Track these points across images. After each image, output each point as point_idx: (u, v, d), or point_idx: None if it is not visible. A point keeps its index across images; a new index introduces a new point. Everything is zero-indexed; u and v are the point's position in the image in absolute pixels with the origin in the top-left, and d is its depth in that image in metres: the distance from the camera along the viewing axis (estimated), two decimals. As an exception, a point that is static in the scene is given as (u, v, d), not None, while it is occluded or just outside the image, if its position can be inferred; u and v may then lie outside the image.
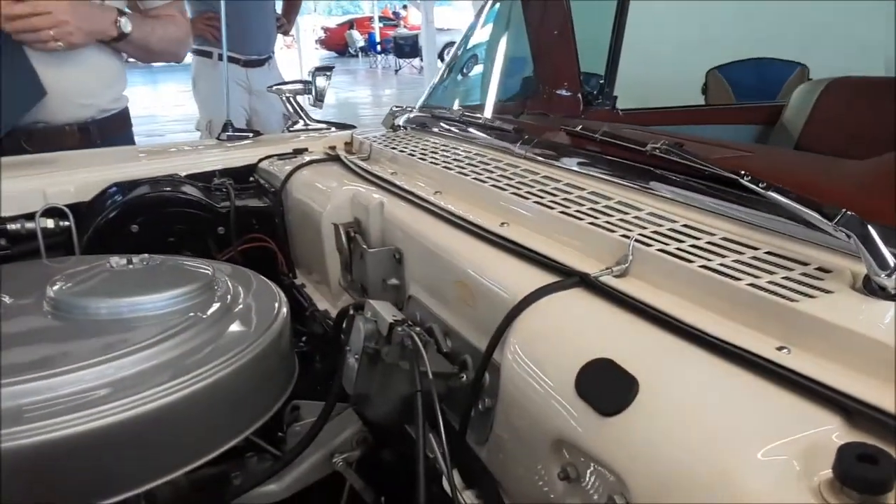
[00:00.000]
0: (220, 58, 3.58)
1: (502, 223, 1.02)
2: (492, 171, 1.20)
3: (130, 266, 1.04)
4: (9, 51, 1.77)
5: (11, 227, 1.51)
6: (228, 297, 1.04)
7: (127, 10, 1.99)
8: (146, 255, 1.06)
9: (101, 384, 0.85)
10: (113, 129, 2.10)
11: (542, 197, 1.04)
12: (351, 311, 1.00)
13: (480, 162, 1.28)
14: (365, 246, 1.14)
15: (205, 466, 0.90)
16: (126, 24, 1.92)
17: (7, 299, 0.99)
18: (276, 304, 1.05)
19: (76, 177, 1.61)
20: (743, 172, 0.84)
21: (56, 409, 0.80)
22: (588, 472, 0.66)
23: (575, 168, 1.14)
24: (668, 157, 0.96)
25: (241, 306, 1.03)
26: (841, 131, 2.14)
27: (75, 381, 0.84)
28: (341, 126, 2.14)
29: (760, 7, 3.94)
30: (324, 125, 2.14)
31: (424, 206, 1.14)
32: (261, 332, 0.98)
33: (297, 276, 1.54)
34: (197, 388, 0.88)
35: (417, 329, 0.85)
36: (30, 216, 1.52)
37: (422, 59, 16.20)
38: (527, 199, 1.04)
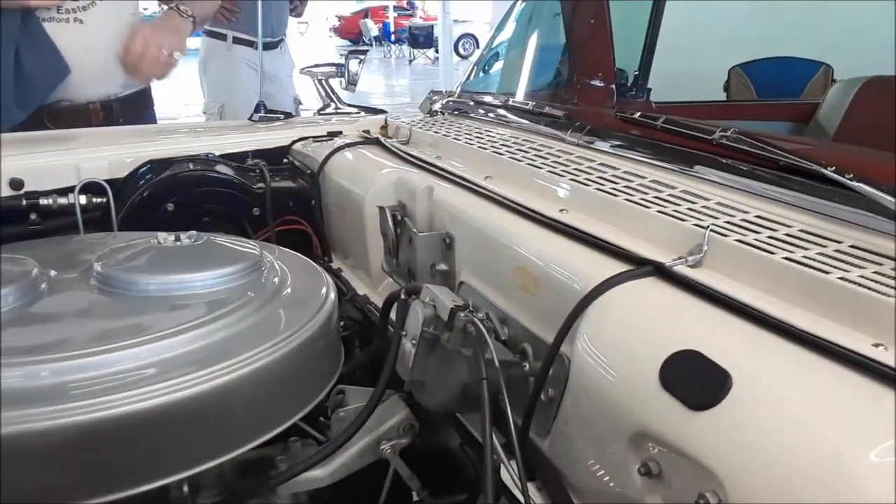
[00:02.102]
0: (235, 40, 3.54)
1: (561, 209, 0.99)
2: (545, 158, 1.17)
3: (178, 243, 1.01)
4: (30, 31, 1.77)
5: (44, 201, 1.48)
6: (276, 278, 1.01)
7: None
8: (194, 232, 1.03)
9: (149, 363, 0.82)
10: (135, 107, 2.09)
11: (602, 184, 1.01)
12: (403, 296, 0.98)
13: (531, 148, 1.24)
14: (415, 230, 1.12)
15: (249, 451, 0.88)
16: (187, 12, 1.97)
17: (52, 273, 0.96)
18: (324, 288, 1.03)
19: (110, 153, 1.58)
20: (824, 163, 0.81)
21: (103, 388, 0.78)
22: (673, 467, 0.64)
23: (633, 156, 1.10)
24: (738, 147, 0.93)
25: (289, 289, 1.01)
26: (879, 129, 2.11)
27: (124, 360, 0.82)
28: (372, 111, 2.11)
29: (782, 7, 3.89)
30: (355, 109, 2.11)
31: (476, 191, 1.11)
32: (310, 316, 0.95)
33: (333, 260, 1.52)
34: (246, 372, 0.85)
35: (480, 315, 0.82)
36: (62, 191, 1.50)
37: (437, 50, 16.15)
38: (587, 185, 1.01)
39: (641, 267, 0.79)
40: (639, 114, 1.15)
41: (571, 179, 1.04)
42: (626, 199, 0.94)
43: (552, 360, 0.79)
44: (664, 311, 0.72)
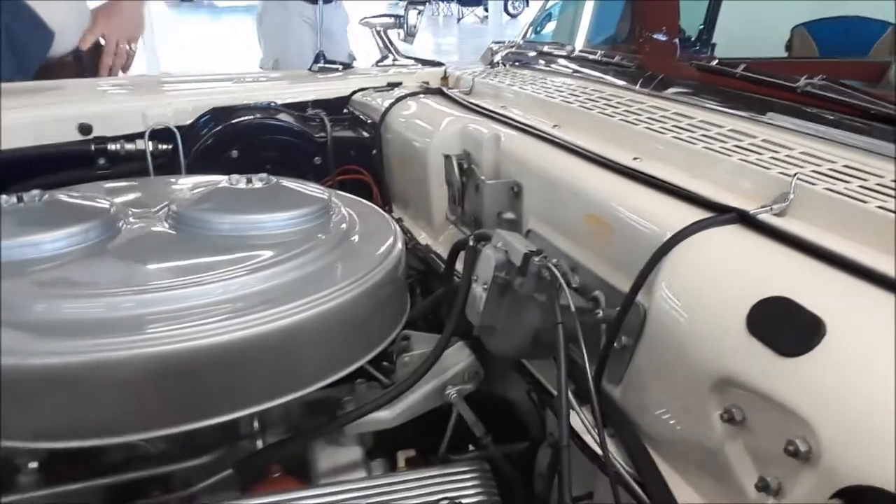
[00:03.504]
0: None
1: (635, 157, 0.97)
2: (615, 107, 1.15)
3: (250, 185, 1.02)
4: (12, 5, 1.80)
5: (112, 147, 1.51)
6: (344, 224, 1.02)
7: None
8: (265, 174, 1.04)
9: (224, 300, 0.84)
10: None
11: (678, 133, 0.98)
12: (471, 242, 0.97)
13: (600, 98, 1.22)
14: (482, 177, 1.11)
15: (317, 390, 0.89)
16: None
17: (130, 212, 0.98)
18: (392, 234, 1.03)
19: (175, 101, 1.60)
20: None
21: (179, 322, 0.79)
22: (758, 413, 0.63)
23: (710, 105, 1.07)
24: (826, 95, 0.90)
25: (357, 234, 1.01)
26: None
27: (199, 295, 0.83)
28: (430, 63, 2.09)
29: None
30: (412, 61, 2.09)
31: (545, 139, 1.09)
32: (380, 260, 0.96)
33: (393, 210, 1.52)
34: (318, 312, 0.86)
35: (555, 261, 0.81)
36: (129, 137, 1.52)
37: (486, 9, 15.86)
38: (662, 134, 0.98)
39: (724, 214, 0.77)
40: (716, 61, 1.11)
41: (646, 128, 1.02)
42: (705, 148, 0.91)
43: (628, 308, 0.78)
44: (750, 259, 0.70)
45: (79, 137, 1.51)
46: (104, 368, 0.76)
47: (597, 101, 1.20)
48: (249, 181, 1.03)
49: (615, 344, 0.80)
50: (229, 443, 0.95)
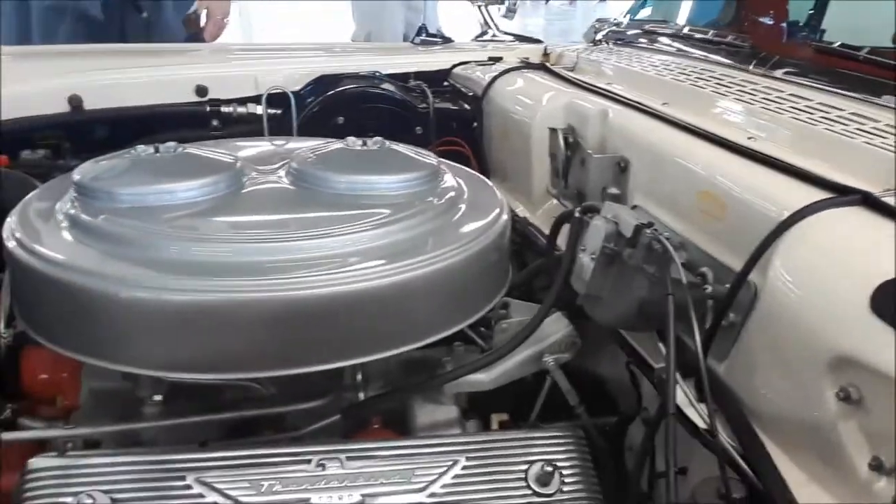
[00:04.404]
0: None
1: (749, 137, 0.96)
2: (728, 87, 1.13)
3: (365, 147, 1.06)
4: None
5: (225, 109, 1.58)
6: (453, 190, 1.04)
7: None
8: (379, 138, 1.08)
9: (339, 254, 0.88)
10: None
11: (795, 114, 0.97)
12: (577, 213, 0.98)
13: (711, 77, 1.20)
14: (589, 151, 1.11)
15: (417, 349, 0.93)
16: None
17: (253, 167, 1.04)
18: (499, 205, 1.05)
19: (285, 67, 1.66)
20: None
21: (297, 270, 0.84)
22: (876, 393, 0.62)
23: (828, 88, 1.05)
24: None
25: (465, 201, 1.04)
26: None
27: (316, 248, 0.88)
28: (528, 39, 2.09)
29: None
30: (510, 37, 2.10)
31: (655, 115, 1.09)
32: (487, 228, 0.98)
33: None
34: (427, 271, 0.89)
35: (666, 234, 0.82)
36: (241, 101, 1.59)
37: (575, -10, 15.56)
38: (780, 115, 0.97)
39: (847, 195, 0.76)
40: (838, 43, 1.08)
41: (761, 108, 1.01)
42: (826, 129, 0.90)
43: (740, 285, 0.78)
44: (874, 240, 0.70)
45: (195, 99, 1.59)
46: (227, 308, 0.81)
47: (708, 80, 1.18)
48: (364, 143, 1.06)
49: (723, 321, 0.81)
50: (335, 392, 0.99)
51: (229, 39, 2.57)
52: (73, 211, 0.89)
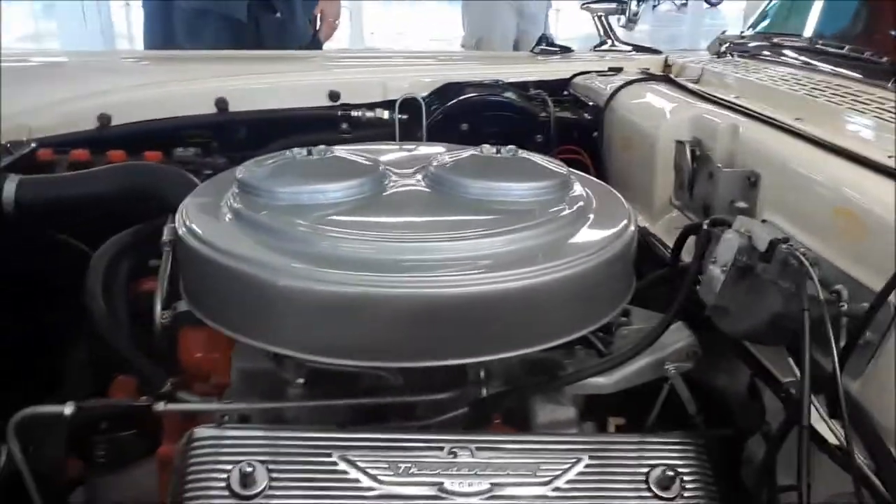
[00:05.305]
0: None
1: (890, 156, 0.94)
2: (866, 104, 1.12)
3: (499, 155, 1.11)
4: None
5: (355, 113, 1.67)
6: (583, 199, 1.07)
7: None
8: (513, 146, 1.12)
9: (473, 256, 0.92)
10: None
11: (943, 135, 0.95)
12: (706, 226, 1.00)
13: (847, 93, 1.19)
14: (718, 164, 1.12)
15: (541, 350, 0.96)
16: None
17: (393, 171, 1.10)
18: (627, 215, 1.07)
19: (411, 74, 1.74)
20: None
21: (432, 270, 0.89)
22: None
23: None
24: None
25: (593, 211, 1.06)
26: None
27: (452, 249, 0.93)
28: (648, 50, 2.09)
29: None
30: (630, 48, 2.10)
31: (790, 131, 1.09)
32: (616, 236, 1.01)
33: (609, 193, 1.56)
34: (556, 277, 0.92)
35: (803, 249, 0.83)
36: (370, 106, 1.68)
37: (685, -4, 15.18)
38: (926, 134, 0.95)
39: None
40: None
41: (905, 127, 0.99)
42: (977, 151, 0.88)
43: (880, 304, 0.78)
44: None
45: (327, 103, 1.69)
46: (367, 301, 0.88)
47: (843, 97, 1.17)
48: (498, 151, 1.11)
49: (860, 339, 0.81)
50: (460, 386, 1.05)
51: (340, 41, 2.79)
52: (237, 205, 0.98)
